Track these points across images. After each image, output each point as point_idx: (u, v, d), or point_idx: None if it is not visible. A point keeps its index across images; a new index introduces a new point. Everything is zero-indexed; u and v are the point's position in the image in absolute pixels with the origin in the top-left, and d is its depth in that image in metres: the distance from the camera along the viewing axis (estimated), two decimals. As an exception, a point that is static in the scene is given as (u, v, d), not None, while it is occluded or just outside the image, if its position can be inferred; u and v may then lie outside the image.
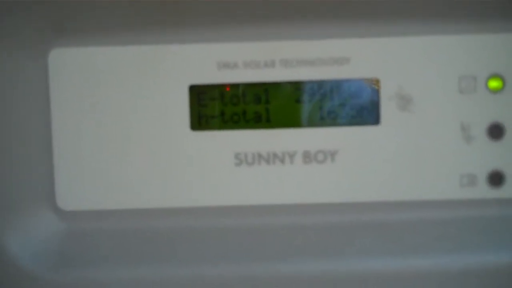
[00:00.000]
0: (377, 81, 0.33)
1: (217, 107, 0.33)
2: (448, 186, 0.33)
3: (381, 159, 0.33)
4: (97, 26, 0.33)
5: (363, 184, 0.33)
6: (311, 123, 0.33)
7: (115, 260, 0.33)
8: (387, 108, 0.33)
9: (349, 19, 0.33)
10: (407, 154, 0.33)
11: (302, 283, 0.32)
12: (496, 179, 0.33)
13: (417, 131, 0.33)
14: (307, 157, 0.33)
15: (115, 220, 0.34)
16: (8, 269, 0.33)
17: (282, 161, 0.33)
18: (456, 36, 0.32)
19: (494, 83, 0.33)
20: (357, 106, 0.33)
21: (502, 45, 0.32)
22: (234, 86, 0.33)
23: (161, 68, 0.33)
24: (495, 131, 0.33)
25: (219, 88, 0.33)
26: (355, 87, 0.33)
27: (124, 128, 0.34)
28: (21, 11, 0.32)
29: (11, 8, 0.31)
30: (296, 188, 0.34)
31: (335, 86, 0.33)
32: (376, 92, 0.33)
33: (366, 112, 0.33)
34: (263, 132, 0.33)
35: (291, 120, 0.33)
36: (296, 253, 0.33)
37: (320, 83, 0.33)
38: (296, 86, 0.33)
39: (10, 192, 0.33)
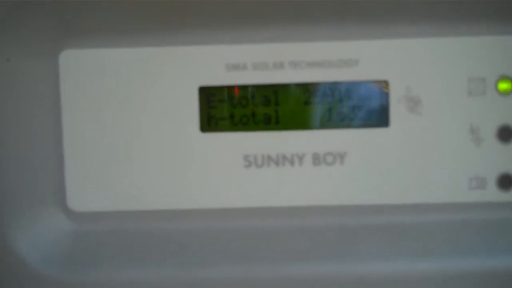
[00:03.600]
0: (386, 83, 0.33)
1: (227, 109, 0.34)
2: (457, 189, 0.33)
3: (390, 162, 0.33)
4: (107, 28, 0.33)
5: (372, 186, 0.33)
6: (320, 125, 0.33)
7: (125, 261, 0.33)
8: (396, 110, 0.33)
9: (357, 20, 0.32)
10: (416, 156, 0.33)
11: (312, 285, 0.32)
12: (505, 182, 0.33)
13: (426, 133, 0.33)
14: (316, 159, 0.33)
15: (124, 222, 0.34)
16: (18, 269, 0.33)
17: (291, 163, 0.34)
18: (465, 38, 0.32)
19: (503, 85, 0.33)
20: (366, 108, 0.33)
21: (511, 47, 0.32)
22: (243, 87, 0.33)
23: (170, 69, 0.33)
24: (505, 134, 0.33)
25: (229, 90, 0.33)
26: (364, 89, 0.33)
27: (134, 129, 0.34)
28: (32, 12, 0.32)
29: (22, 9, 0.32)
30: (305, 190, 0.34)
31: (344, 88, 0.33)
32: (385, 94, 0.33)
33: (375, 114, 0.33)
34: (272, 134, 0.33)
35: (300, 122, 0.33)
36: (305, 255, 0.33)
37: (329, 85, 0.33)
38: (305, 88, 0.33)
39: (20, 192, 0.34)
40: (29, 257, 0.33)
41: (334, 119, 0.33)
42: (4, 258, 0.33)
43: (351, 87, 0.33)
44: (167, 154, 0.34)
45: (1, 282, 0.33)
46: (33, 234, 0.33)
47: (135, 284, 0.33)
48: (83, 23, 0.33)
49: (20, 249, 0.33)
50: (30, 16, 0.32)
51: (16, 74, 0.33)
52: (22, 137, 0.33)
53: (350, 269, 0.32)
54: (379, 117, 0.33)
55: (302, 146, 0.33)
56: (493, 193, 0.33)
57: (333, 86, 0.33)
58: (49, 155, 0.34)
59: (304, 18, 0.32)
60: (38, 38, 0.33)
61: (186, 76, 0.33)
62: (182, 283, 0.32)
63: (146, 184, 0.34)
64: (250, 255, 0.33)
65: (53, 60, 0.33)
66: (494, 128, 0.33)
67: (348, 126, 0.33)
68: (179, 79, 0.33)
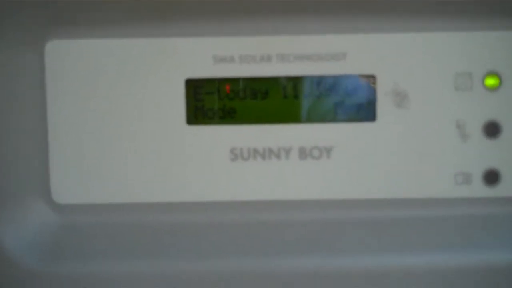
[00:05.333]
0: (373, 77, 0.33)
1: (214, 102, 0.33)
2: (443, 184, 0.33)
3: (377, 156, 0.33)
4: (93, 19, 0.33)
5: (358, 181, 0.33)
6: (307, 119, 0.33)
7: (109, 254, 0.33)
8: (383, 105, 0.33)
9: (346, 14, 0.32)
10: (402, 151, 0.33)
11: (297, 279, 0.32)
12: (491, 177, 0.33)
13: (412, 128, 0.33)
14: (303, 153, 0.33)
15: (109, 214, 0.34)
16: (2, 262, 0.33)
17: (278, 156, 0.33)
18: (453, 33, 0.32)
19: (490, 81, 0.33)
20: (353, 102, 0.33)
21: (499, 43, 0.32)
22: (230, 80, 0.33)
23: (157, 61, 0.33)
24: (491, 129, 0.33)
25: (216, 83, 0.33)
26: (351, 83, 0.33)
27: (120, 121, 0.33)
28: (18, 3, 0.32)
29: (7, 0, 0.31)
30: (291, 184, 0.34)
31: (331, 81, 0.33)
32: (372, 89, 0.33)
33: (362, 108, 0.33)
34: (259, 127, 0.33)
35: (287, 115, 0.33)
36: (291, 249, 0.33)
37: (317, 79, 0.33)
38: (293, 81, 0.33)
39: (5, 185, 0.33)
40: (13, 249, 0.33)
41: (321, 113, 0.33)
42: (-13, 251, 0.33)
43: (338, 81, 0.33)
44: (153, 146, 0.34)
45: (-16, 274, 0.33)
46: (17, 226, 0.33)
47: (120, 277, 0.32)
48: (69, 14, 0.33)
49: (4, 241, 0.33)
50: (15, 6, 0.32)
51: (1, 66, 0.33)
52: (6, 128, 0.33)
53: (335, 263, 0.32)
54: (366, 111, 0.33)
55: (289, 140, 0.33)
56: (478, 189, 0.33)
57: (321, 80, 0.33)
58: (34, 147, 0.34)
59: (293, 11, 0.32)
60: (24, 28, 0.33)
61: (173, 68, 0.33)
62: (167, 277, 0.32)
63: (131, 177, 0.34)
64: (236, 249, 0.33)
65: (38, 51, 0.33)
66: (481, 124, 0.33)
67: (335, 120, 0.33)
68: (166, 71, 0.33)
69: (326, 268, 0.32)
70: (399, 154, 0.33)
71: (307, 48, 0.33)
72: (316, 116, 0.33)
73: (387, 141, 0.33)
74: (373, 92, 0.33)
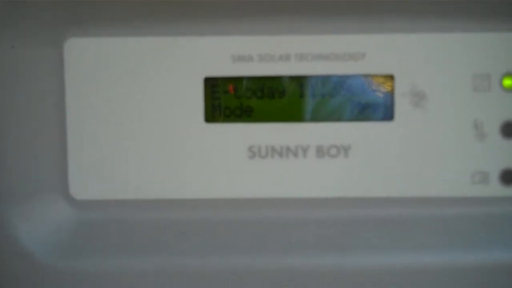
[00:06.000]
0: (391, 77, 0.33)
1: (232, 100, 0.34)
2: (459, 183, 0.33)
3: (394, 155, 0.33)
4: (113, 17, 0.33)
5: (375, 179, 0.33)
6: (325, 118, 0.33)
7: (127, 250, 0.33)
8: (401, 104, 0.33)
9: (365, 14, 0.33)
10: (419, 150, 0.33)
11: (315, 277, 0.32)
12: (508, 177, 0.33)
13: (430, 128, 0.33)
14: (320, 151, 0.34)
15: (127, 210, 0.34)
16: (20, 257, 0.33)
17: (295, 155, 0.34)
18: (471, 34, 0.33)
19: (508, 82, 0.33)
20: (371, 102, 0.33)
21: (517, 44, 0.33)
22: (249, 79, 0.33)
23: (176, 60, 0.33)
24: (508, 130, 0.33)
25: (234, 81, 0.33)
26: (369, 82, 0.33)
27: (138, 119, 0.34)
28: (38, 1, 0.32)
29: (28, -1, 0.32)
30: (308, 182, 0.34)
31: (349, 81, 0.33)
32: (390, 88, 0.33)
33: (380, 108, 0.33)
34: (277, 126, 0.34)
35: (304, 114, 0.34)
36: (307, 247, 0.33)
37: (335, 78, 0.33)
38: (310, 81, 0.33)
39: (23, 180, 0.34)
40: (30, 244, 0.33)
41: (339, 112, 0.33)
42: (5, 246, 0.33)
43: (356, 80, 0.33)
44: (171, 143, 0.34)
45: (2, 269, 0.33)
46: (34, 222, 0.34)
47: (136, 273, 0.33)
48: (88, 12, 0.33)
49: (22, 236, 0.33)
50: (36, 3, 0.32)
51: (21, 62, 0.33)
52: (26, 124, 0.33)
53: (352, 261, 0.32)
54: (383, 111, 0.33)
55: (306, 138, 0.34)
56: (495, 188, 0.33)
57: (339, 79, 0.33)
58: (52, 143, 0.34)
59: (311, 10, 0.33)
60: (43, 26, 0.33)
61: (192, 67, 0.33)
62: (184, 273, 0.32)
63: (149, 173, 0.34)
64: (253, 246, 0.33)
65: (58, 48, 0.33)
66: (498, 124, 0.33)
67: (353, 119, 0.33)
68: (184, 69, 0.33)
69: (343, 266, 0.32)
70: (416, 153, 0.33)
71: (325, 48, 0.33)
72: (334, 115, 0.33)
73: (405, 141, 0.33)
74: (391, 91, 0.33)
